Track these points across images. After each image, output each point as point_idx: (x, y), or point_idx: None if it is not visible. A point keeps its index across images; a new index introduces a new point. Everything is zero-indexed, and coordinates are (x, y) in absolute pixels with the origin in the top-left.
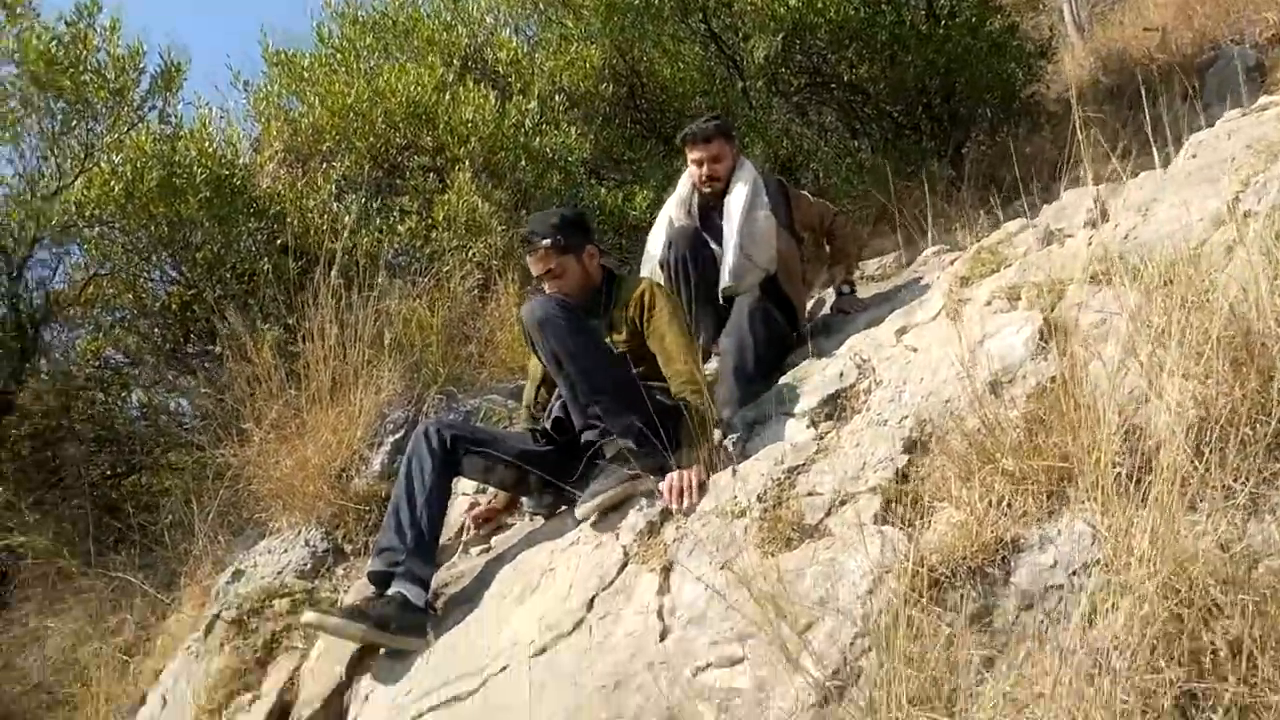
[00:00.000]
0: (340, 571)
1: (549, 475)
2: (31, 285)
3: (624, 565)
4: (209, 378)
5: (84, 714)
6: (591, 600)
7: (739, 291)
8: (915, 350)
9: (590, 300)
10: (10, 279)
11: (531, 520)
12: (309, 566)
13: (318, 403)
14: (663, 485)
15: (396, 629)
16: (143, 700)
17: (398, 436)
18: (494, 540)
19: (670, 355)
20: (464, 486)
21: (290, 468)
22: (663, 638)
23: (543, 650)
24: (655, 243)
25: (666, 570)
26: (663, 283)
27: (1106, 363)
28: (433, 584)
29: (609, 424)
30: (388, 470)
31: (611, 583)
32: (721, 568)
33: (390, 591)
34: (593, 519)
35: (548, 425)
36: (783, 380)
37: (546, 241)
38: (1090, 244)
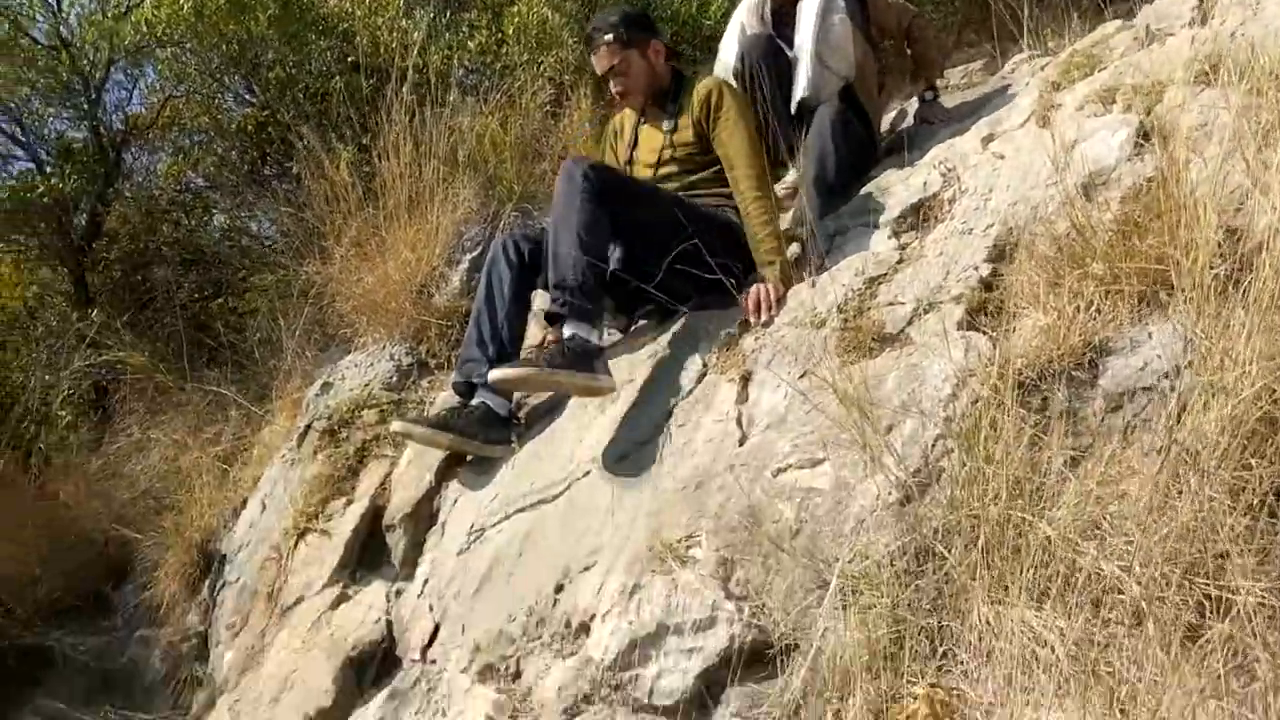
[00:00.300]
0: (425, 384)
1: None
2: (110, 108)
3: (702, 375)
4: (288, 198)
5: (189, 517)
6: (670, 409)
7: (818, 102)
8: (1002, 157)
9: (657, 100)
10: (90, 101)
11: (610, 335)
12: (394, 379)
13: (395, 220)
14: (742, 298)
15: (482, 438)
16: (243, 504)
17: (475, 254)
18: None
19: (734, 161)
20: (541, 300)
21: (372, 284)
22: (741, 443)
23: (624, 456)
24: (728, 51)
25: (745, 379)
26: None
27: (1208, 162)
28: (515, 395)
29: (567, 316)
30: (467, 287)
31: (690, 392)
32: (801, 376)
33: (474, 402)
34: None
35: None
36: (864, 191)
37: (609, 37)
38: (1194, 42)
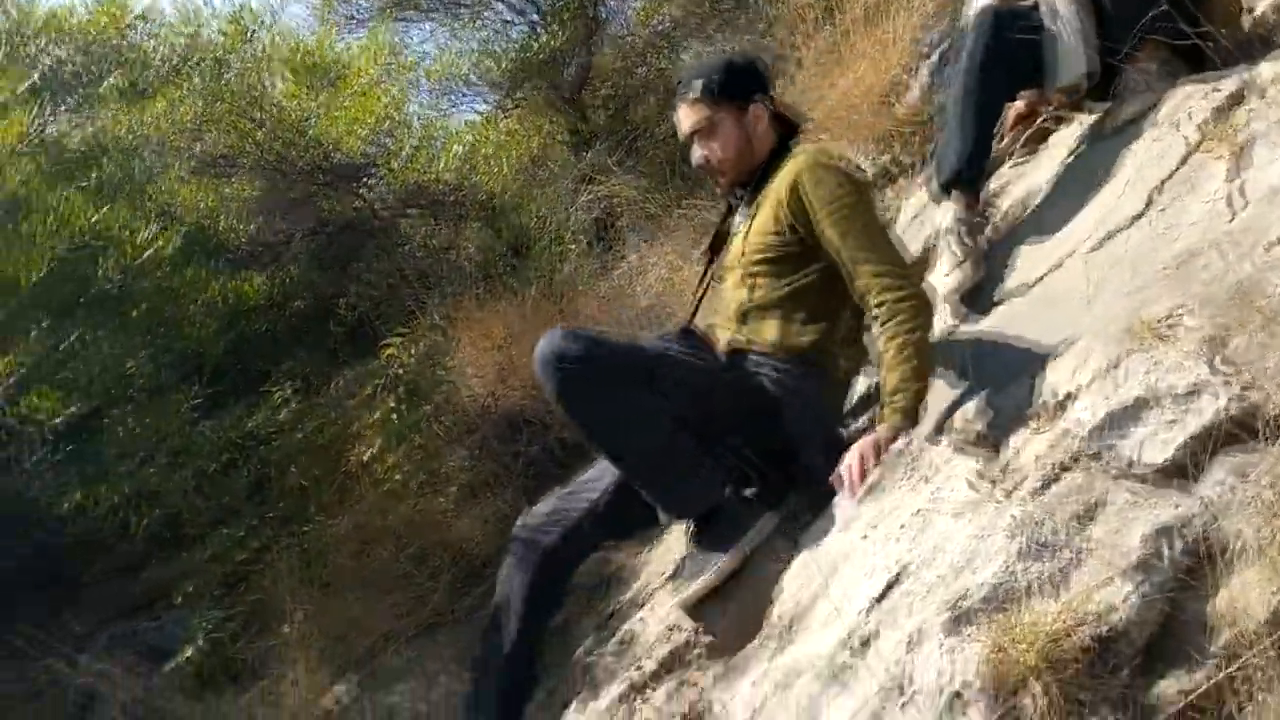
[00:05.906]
0: (890, 193)
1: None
2: None
3: (1187, 155)
4: (748, 27)
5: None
6: (1150, 194)
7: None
8: None
9: (743, 182)
10: None
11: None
12: None
13: (848, 36)
14: (836, 484)
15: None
16: None
17: (931, 60)
18: (1041, 147)
19: (846, 262)
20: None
21: (835, 99)
22: (1231, 222)
23: (1098, 246)
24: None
25: (1237, 154)
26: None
27: None
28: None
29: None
30: (925, 94)
31: (1173, 174)
32: None
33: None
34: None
35: None
36: None
37: (698, 84)
38: None
